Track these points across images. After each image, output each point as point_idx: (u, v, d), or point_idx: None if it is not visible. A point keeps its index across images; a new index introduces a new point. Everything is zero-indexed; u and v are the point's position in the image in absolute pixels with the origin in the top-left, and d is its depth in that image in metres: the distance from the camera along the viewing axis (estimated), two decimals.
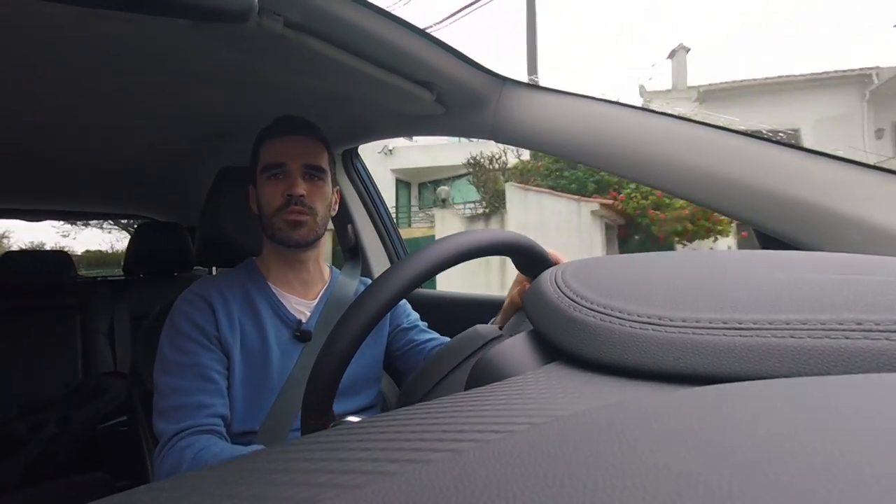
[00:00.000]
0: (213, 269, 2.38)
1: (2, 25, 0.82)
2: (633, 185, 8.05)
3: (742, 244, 8.98)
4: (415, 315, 1.14)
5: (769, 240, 0.71)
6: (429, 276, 0.53)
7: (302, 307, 0.99)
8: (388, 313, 0.97)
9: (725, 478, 0.14)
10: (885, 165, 0.64)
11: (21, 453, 1.64)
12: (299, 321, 0.96)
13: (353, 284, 1.07)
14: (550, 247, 0.67)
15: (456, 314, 0.98)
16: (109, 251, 13.23)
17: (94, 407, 1.81)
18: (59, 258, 2.21)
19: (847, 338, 0.23)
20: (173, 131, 1.51)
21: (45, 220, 2.56)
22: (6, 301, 2.02)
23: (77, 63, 0.98)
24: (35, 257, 2.21)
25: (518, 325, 0.56)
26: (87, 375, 2.06)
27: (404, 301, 1.14)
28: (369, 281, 1.13)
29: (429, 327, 1.14)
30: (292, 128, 0.98)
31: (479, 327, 0.58)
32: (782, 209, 0.67)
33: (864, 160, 0.65)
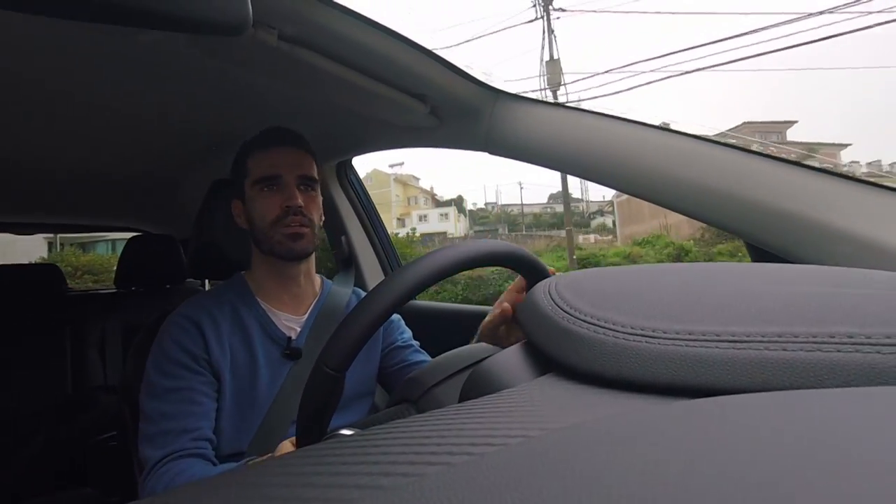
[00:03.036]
0: (206, 281, 2.37)
1: None
2: None
3: None
4: (409, 333, 1.13)
5: (761, 252, 0.71)
6: (424, 287, 0.53)
7: (292, 323, 0.98)
8: (382, 329, 0.95)
9: (720, 490, 0.14)
10: (872, 180, 0.65)
11: (8, 468, 1.61)
12: (289, 338, 0.95)
13: (346, 295, 1.07)
14: None
15: (443, 325, 0.97)
16: None
17: (84, 421, 1.79)
18: (50, 271, 2.20)
19: (839, 351, 0.23)
20: (166, 144, 1.50)
21: (37, 233, 2.54)
22: None
23: (68, 76, 0.98)
24: (25, 270, 2.19)
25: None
26: (76, 389, 2.03)
27: (398, 317, 1.14)
28: (362, 292, 1.12)
29: (414, 337, 1.13)
30: (283, 139, 0.97)
31: (483, 345, 0.59)
32: (774, 222, 0.68)
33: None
